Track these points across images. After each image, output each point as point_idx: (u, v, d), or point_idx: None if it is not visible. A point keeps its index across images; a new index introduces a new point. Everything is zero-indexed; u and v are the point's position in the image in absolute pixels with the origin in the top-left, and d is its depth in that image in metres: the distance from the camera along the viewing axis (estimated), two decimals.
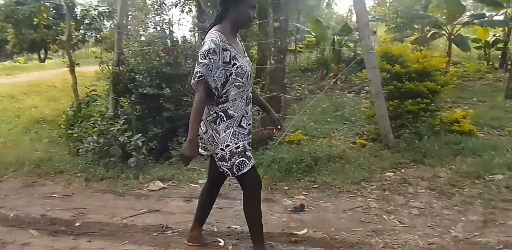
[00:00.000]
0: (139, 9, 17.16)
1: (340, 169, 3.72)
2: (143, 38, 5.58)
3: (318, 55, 12.60)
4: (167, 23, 4.84)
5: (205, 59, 1.91)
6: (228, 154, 2.03)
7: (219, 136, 2.04)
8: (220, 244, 2.46)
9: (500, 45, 12.30)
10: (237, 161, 2.04)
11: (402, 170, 3.73)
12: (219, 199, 3.27)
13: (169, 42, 4.66)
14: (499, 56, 12.47)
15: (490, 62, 12.82)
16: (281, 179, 3.63)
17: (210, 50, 1.90)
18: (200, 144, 2.16)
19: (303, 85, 10.43)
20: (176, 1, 11.50)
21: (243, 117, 2.10)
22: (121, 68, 4.68)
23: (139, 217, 3.03)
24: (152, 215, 3.06)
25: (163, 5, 4.80)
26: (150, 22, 4.98)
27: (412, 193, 3.25)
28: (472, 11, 18.25)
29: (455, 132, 4.50)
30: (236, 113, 2.06)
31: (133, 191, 3.61)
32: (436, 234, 2.61)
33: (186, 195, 3.46)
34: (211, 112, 2.05)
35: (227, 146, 2.03)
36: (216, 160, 2.10)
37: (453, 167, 3.70)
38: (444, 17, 10.82)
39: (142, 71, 4.46)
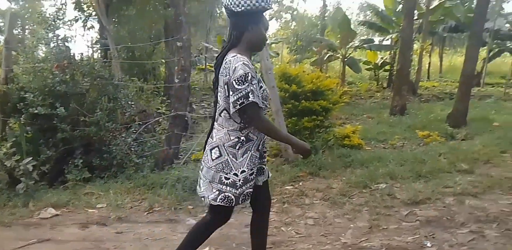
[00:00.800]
0: (38, 23, 15.96)
1: None
2: (40, 53, 5.21)
3: None
4: (61, 39, 4.59)
5: (245, 84, 1.77)
6: (241, 181, 1.90)
7: (236, 160, 1.88)
8: None
9: (387, 67, 13.93)
10: (247, 191, 1.92)
11: (300, 183, 3.98)
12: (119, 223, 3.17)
13: (65, 59, 4.42)
14: (387, 77, 14.10)
15: (380, 82, 14.42)
16: (186, 198, 3.62)
17: (249, 74, 1.77)
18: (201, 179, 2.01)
19: (212, 103, 10.55)
20: (77, 17, 10.96)
21: (262, 141, 2.01)
22: (9, 86, 4.31)
23: (27, 248, 2.77)
24: (42, 246, 2.82)
25: (57, 20, 4.50)
26: (45, 38, 4.66)
27: (308, 204, 3.47)
28: (365, 36, 20.45)
29: (346, 146, 4.95)
30: (256, 136, 1.95)
31: (21, 220, 3.28)
32: (328, 241, 2.82)
33: (83, 222, 3.24)
34: (232, 138, 1.90)
35: (243, 171, 1.89)
36: (221, 185, 1.90)
37: (344, 178, 4.05)
38: (338, 41, 11.92)
39: (33, 90, 4.15)
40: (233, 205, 1.92)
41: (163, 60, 8.80)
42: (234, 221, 3.22)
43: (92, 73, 4.42)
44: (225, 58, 1.87)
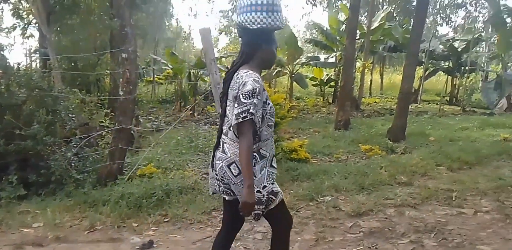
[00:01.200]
0: None
1: (192, 200, 3.76)
2: None
3: (176, 87, 12.76)
4: None
5: (251, 99, 1.77)
6: (264, 196, 1.87)
7: (256, 177, 1.84)
8: None
9: (332, 83, 14.51)
10: (278, 199, 1.92)
11: None
12: None
13: None
14: (332, 93, 14.67)
15: (325, 98, 14.96)
16: (130, 216, 3.46)
17: (256, 90, 1.78)
18: (223, 188, 1.98)
19: (160, 116, 10.34)
20: (15, 24, 10.35)
21: (274, 157, 2.00)
22: None
23: None
24: None
25: None
26: None
27: None
28: (312, 53, 21.21)
29: (293, 160, 5.04)
30: (268, 153, 1.93)
31: None
32: None
33: (16, 242, 2.99)
34: None
35: (264, 187, 1.87)
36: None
37: (291, 191, 4.10)
38: (286, 57, 12.26)
39: None
40: (258, 220, 1.92)
41: (108, 72, 8.50)
42: (181, 238, 3.14)
43: (30, 84, 4.15)
44: (236, 74, 1.90)
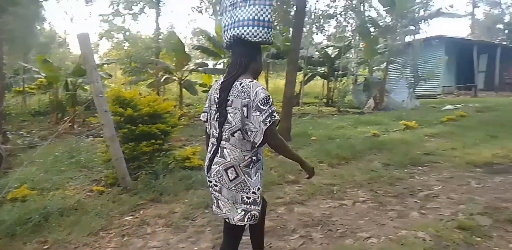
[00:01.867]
0: None
1: (76, 222, 3.44)
2: None
3: (51, 97, 11.56)
4: None
5: (268, 104, 1.94)
6: (259, 197, 2.06)
7: (251, 179, 2.03)
8: None
9: None
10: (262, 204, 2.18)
11: (141, 212, 3.79)
12: None
13: None
14: None
15: None
16: (2, 247, 3.02)
17: (270, 97, 1.96)
18: (213, 196, 2.14)
19: (33, 131, 9.25)
20: None
21: (263, 162, 2.17)
22: None
23: None
24: None
25: None
26: None
27: (150, 233, 3.32)
28: (200, 60, 21.24)
29: (187, 168, 4.97)
30: (262, 156, 2.13)
31: None
32: None
33: None
34: (246, 158, 2.02)
35: (259, 189, 2.07)
36: (244, 204, 2.03)
37: (186, 200, 4.04)
38: (173, 64, 12.08)
39: None
40: (256, 221, 2.09)
41: None
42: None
43: None
44: (239, 83, 2.01)
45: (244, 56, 2.11)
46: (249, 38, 2.05)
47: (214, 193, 2.11)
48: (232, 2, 2.14)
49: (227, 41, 2.17)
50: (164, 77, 12.28)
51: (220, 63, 14.17)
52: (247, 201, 2.03)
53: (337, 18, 20.90)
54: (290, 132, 7.23)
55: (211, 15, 21.75)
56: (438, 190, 4.30)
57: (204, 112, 2.32)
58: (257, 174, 2.07)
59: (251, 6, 2.07)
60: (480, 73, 19.11)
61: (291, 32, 17.54)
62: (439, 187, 4.43)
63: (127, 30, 21.03)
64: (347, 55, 18.16)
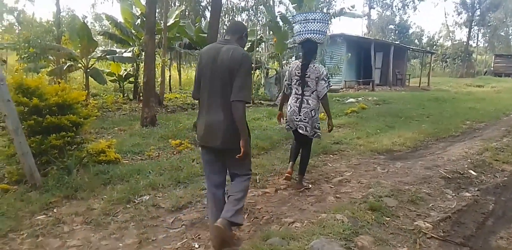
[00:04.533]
0: None
1: None
2: None
3: None
4: None
5: (328, 78, 4.06)
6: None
7: (317, 116, 4.12)
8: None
9: (131, 79, 14.02)
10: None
11: (55, 210, 3.49)
12: None
13: None
14: (132, 89, 14.20)
15: (125, 94, 14.35)
16: None
17: (327, 74, 4.12)
18: (302, 125, 4.08)
19: None
20: None
21: None
22: None
23: None
24: None
25: None
26: None
27: (68, 232, 3.09)
28: (104, 47, 19.89)
29: (103, 162, 4.69)
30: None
31: None
32: None
33: None
34: (318, 105, 4.12)
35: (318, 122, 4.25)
36: (316, 129, 4.15)
37: (105, 196, 3.81)
38: (78, 50, 11.14)
39: None
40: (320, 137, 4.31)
41: None
42: None
43: None
44: (312, 65, 3.99)
45: (312, 50, 4.15)
46: (317, 40, 4.07)
47: (302, 123, 4.04)
48: (306, 18, 4.06)
49: (300, 40, 4.11)
50: (67, 64, 11.25)
51: (129, 51, 13.42)
52: (316, 126, 4.12)
53: (248, 12, 21.18)
54: None
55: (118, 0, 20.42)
56: (349, 176, 4.69)
57: (287, 83, 4.19)
58: (318, 114, 4.11)
59: (317, 22, 4.03)
60: (376, 69, 21.05)
61: (202, 22, 17.40)
62: (350, 173, 4.84)
63: (21, 12, 18.76)
64: (260, 49, 18.61)
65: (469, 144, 6.59)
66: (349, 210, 3.40)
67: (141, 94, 11.36)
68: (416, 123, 8.96)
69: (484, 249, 2.93)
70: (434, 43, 47.23)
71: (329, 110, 4.12)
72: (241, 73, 2.58)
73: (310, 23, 4.01)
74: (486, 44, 50.90)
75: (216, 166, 2.89)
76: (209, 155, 2.87)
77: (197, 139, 2.88)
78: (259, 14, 18.93)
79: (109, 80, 14.37)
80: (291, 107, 4.08)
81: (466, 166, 5.12)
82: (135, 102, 12.53)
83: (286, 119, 4.23)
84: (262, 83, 15.52)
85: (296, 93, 4.05)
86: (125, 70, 14.72)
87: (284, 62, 15.13)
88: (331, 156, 5.80)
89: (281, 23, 12.98)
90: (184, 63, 22.15)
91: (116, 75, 14.25)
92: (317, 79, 3.94)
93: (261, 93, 15.39)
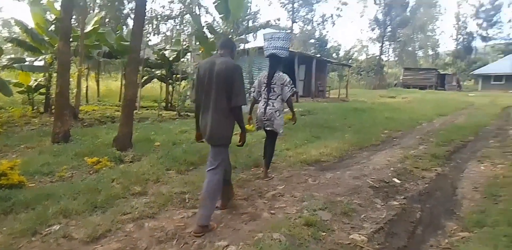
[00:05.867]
0: None
1: None
2: None
3: None
4: None
5: (291, 84, 4.86)
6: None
7: (281, 115, 4.94)
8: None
9: (43, 90, 12.73)
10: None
11: None
12: None
13: None
14: (43, 101, 12.90)
15: (35, 107, 12.99)
16: None
17: (290, 81, 4.88)
18: (268, 124, 4.94)
19: None
20: None
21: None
22: None
23: None
24: None
25: None
26: None
27: None
28: (13, 55, 17.97)
29: (3, 186, 4.03)
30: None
31: None
32: None
33: None
34: (282, 107, 4.95)
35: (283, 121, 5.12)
36: (281, 126, 4.95)
37: (5, 228, 3.23)
38: None
39: None
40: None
41: None
42: None
43: None
44: (277, 74, 4.85)
45: (277, 62, 4.92)
46: (280, 55, 4.88)
47: (268, 122, 4.88)
48: (272, 36, 4.92)
49: (267, 55, 4.96)
50: None
51: (40, 60, 12.20)
52: (281, 125, 4.91)
53: (175, 20, 20.70)
54: (131, 138, 6.68)
55: (29, 4, 18.72)
56: (282, 189, 4.57)
57: (254, 88, 5.05)
58: (282, 115, 4.92)
59: (281, 40, 4.88)
60: (300, 81, 21.80)
61: (123, 30, 16.58)
62: (282, 186, 4.72)
63: None
64: (186, 58, 18.21)
65: (390, 153, 6.90)
66: (285, 227, 3.26)
67: (53, 106, 10.31)
68: (340, 133, 9.25)
69: None
70: (350, 57, 50.65)
71: (293, 109, 5.12)
72: (235, 81, 3.29)
73: (275, 40, 4.89)
74: (396, 58, 55.85)
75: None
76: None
77: (204, 138, 3.59)
78: (185, 24, 18.59)
79: (17, 92, 12.91)
80: (260, 109, 4.95)
81: (390, 174, 5.29)
82: (47, 116, 11.37)
83: (256, 121, 5.05)
84: (188, 94, 15.07)
85: (264, 98, 4.90)
86: (35, 80, 13.35)
87: None
88: (261, 169, 5.66)
89: (208, 34, 12.78)
90: (103, 73, 20.87)
91: (25, 86, 12.85)
92: (282, 85, 4.82)
93: (187, 105, 14.96)
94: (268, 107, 4.83)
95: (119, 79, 19.91)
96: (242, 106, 3.38)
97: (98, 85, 18.79)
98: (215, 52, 12.93)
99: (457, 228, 3.45)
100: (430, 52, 63.91)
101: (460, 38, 60.24)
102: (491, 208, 3.74)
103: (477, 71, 42.61)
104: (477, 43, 60.98)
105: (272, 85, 4.82)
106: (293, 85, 4.85)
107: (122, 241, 3.12)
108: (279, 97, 4.83)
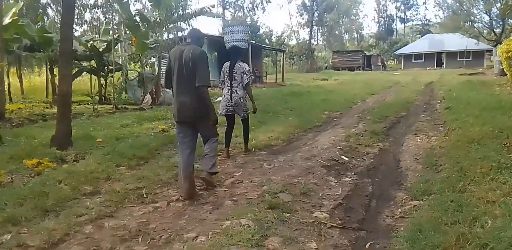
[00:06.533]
0: None
1: None
2: None
3: None
4: None
5: (250, 72, 5.44)
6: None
7: (245, 102, 5.53)
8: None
9: None
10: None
11: None
12: None
13: None
14: None
15: None
16: None
17: (250, 69, 5.53)
18: (231, 110, 5.55)
19: None
20: None
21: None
22: None
23: None
24: None
25: None
26: None
27: None
28: None
29: None
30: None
31: None
32: None
33: None
34: (244, 94, 5.49)
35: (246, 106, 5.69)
36: (244, 111, 5.60)
37: None
38: None
39: None
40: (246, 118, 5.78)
41: None
42: None
43: None
44: (237, 64, 5.41)
45: (237, 53, 5.51)
46: (241, 46, 5.54)
47: (232, 108, 5.47)
48: (232, 30, 5.54)
49: (229, 47, 5.52)
50: None
51: None
52: (244, 110, 5.56)
53: (102, 9, 19.45)
54: (71, 136, 6.27)
55: None
56: (240, 176, 4.62)
57: (221, 80, 5.57)
58: (245, 101, 5.43)
59: (240, 33, 5.51)
60: None
61: (46, 22, 15.28)
62: (239, 173, 4.76)
63: None
64: (118, 49, 17.33)
65: (333, 132, 7.23)
66: (250, 212, 3.30)
67: None
68: (284, 117, 9.48)
69: (377, 230, 3.16)
70: (282, 42, 51.50)
71: (252, 96, 5.56)
72: (201, 65, 3.78)
73: (234, 33, 5.51)
74: (325, 42, 57.85)
75: (189, 134, 4.02)
76: (183, 127, 4.01)
77: (174, 117, 4.10)
78: (113, 12, 17.55)
79: None
80: (224, 96, 5.48)
81: (337, 152, 5.55)
82: None
83: (219, 107, 5.53)
84: (124, 86, 14.41)
85: (227, 86, 5.41)
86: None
87: (145, 62, 14.37)
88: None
89: (140, 22, 12.22)
90: (25, 68, 19.16)
91: None
92: (242, 74, 5.33)
93: (125, 97, 14.34)
94: (233, 94, 5.37)
95: (43, 74, 18.39)
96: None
97: (21, 81, 17.22)
98: (148, 41, 12.46)
99: (406, 198, 3.75)
100: (355, 35, 67.16)
101: (381, 21, 64.05)
102: (434, 177, 4.09)
103: (399, 51, 45.66)
104: (397, 25, 65.43)
105: (234, 74, 5.35)
106: (251, 74, 5.44)
107: (84, 243, 2.96)
108: (240, 85, 5.37)
